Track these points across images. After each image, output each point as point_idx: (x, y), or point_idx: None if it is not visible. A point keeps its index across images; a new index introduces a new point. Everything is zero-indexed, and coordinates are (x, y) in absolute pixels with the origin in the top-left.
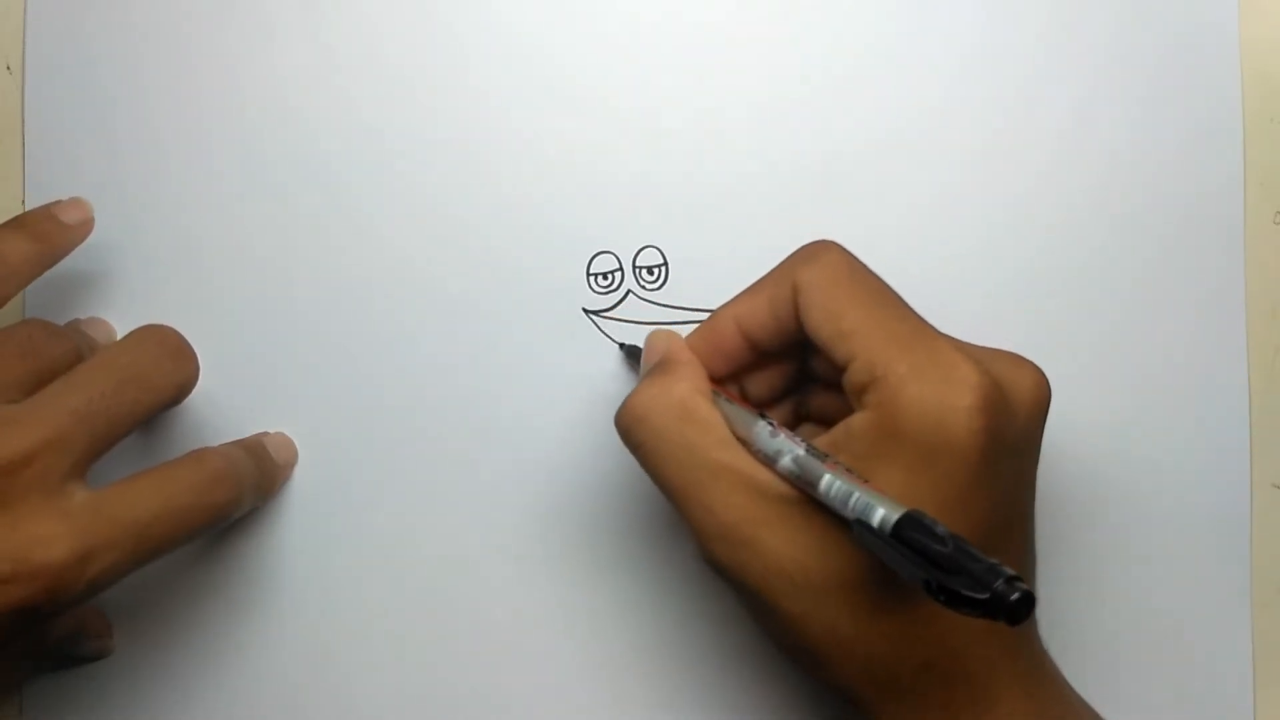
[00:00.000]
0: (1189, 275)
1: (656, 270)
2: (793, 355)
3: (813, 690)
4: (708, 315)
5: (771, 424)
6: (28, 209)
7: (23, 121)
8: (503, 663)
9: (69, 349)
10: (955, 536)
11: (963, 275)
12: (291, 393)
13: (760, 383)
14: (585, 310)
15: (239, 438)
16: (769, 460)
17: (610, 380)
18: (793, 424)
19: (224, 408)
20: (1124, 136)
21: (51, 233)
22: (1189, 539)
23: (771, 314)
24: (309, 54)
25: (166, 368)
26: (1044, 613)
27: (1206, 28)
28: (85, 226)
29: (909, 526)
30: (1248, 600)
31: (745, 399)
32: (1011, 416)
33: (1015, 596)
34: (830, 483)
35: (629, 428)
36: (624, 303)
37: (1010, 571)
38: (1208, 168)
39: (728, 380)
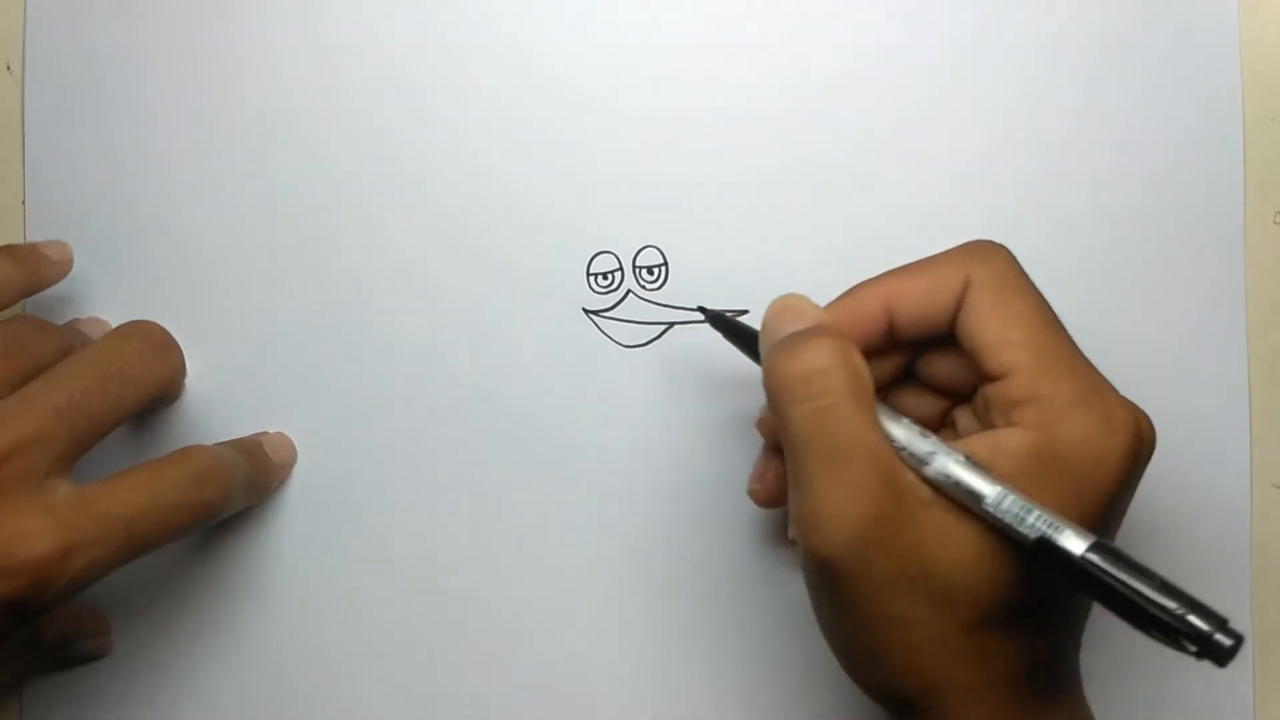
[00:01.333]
0: (1189, 275)
1: (656, 270)
2: (908, 352)
3: (816, 690)
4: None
5: (920, 425)
6: (28, 209)
7: (23, 121)
8: (503, 662)
9: (57, 346)
10: (1153, 571)
11: None
12: (291, 392)
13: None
14: (585, 310)
15: (237, 437)
16: (916, 461)
17: (610, 380)
18: None
19: (223, 407)
20: (1124, 136)
21: (37, 262)
22: (1189, 539)
23: (928, 300)
24: (309, 54)
25: (150, 363)
26: None
27: (1206, 28)
28: (65, 265)
29: (1107, 554)
30: (1248, 600)
31: None
32: (1144, 453)
33: (1230, 643)
34: (1002, 496)
35: (805, 378)
36: (624, 303)
37: (1222, 616)
38: (1208, 168)
39: None
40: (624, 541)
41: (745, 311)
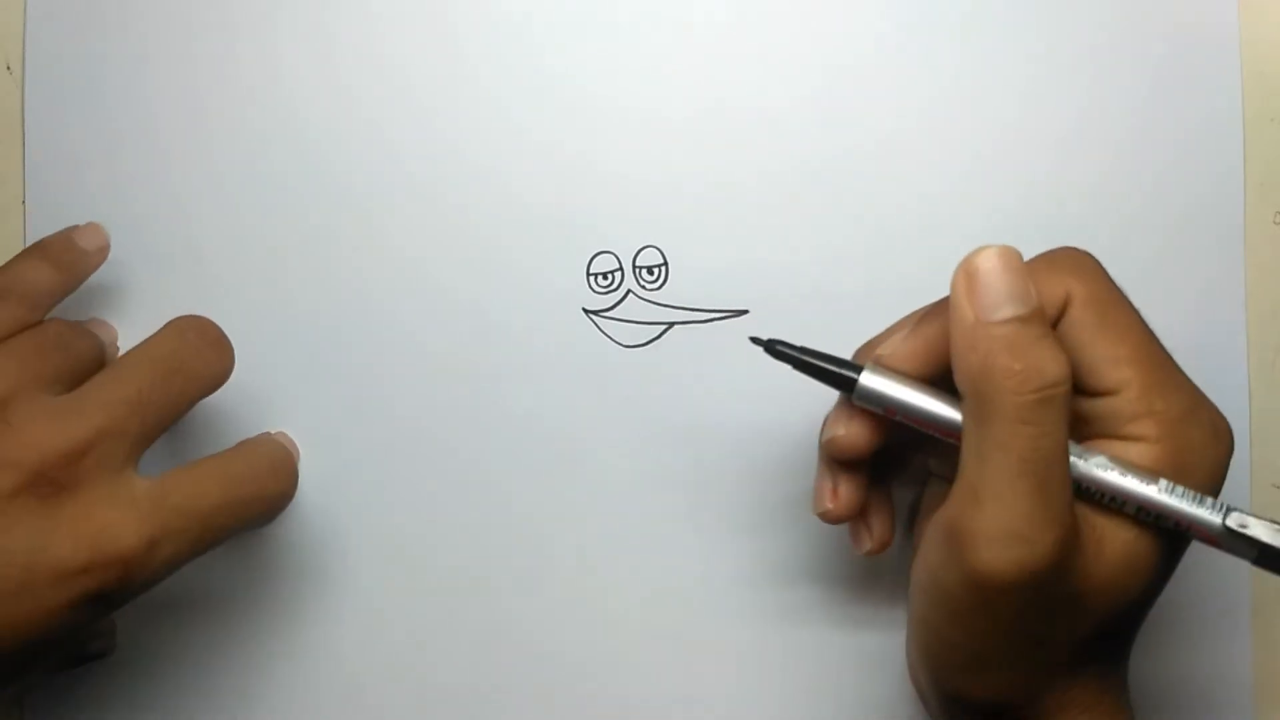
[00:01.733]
0: (1189, 275)
1: (656, 270)
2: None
3: (820, 691)
4: (707, 316)
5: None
6: (28, 209)
7: (23, 121)
8: (503, 662)
9: (93, 345)
10: None
11: None
12: (292, 393)
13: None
14: (585, 310)
15: (239, 437)
16: (1075, 469)
17: (610, 380)
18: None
19: (225, 407)
20: (1124, 136)
21: (74, 261)
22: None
23: None
24: (309, 54)
25: (209, 357)
26: None
27: (1206, 28)
28: (102, 254)
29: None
30: (1248, 600)
31: None
32: None
33: None
34: (1169, 485)
35: (1044, 380)
36: (624, 303)
37: None
38: (1208, 168)
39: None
40: (625, 541)
41: (745, 312)
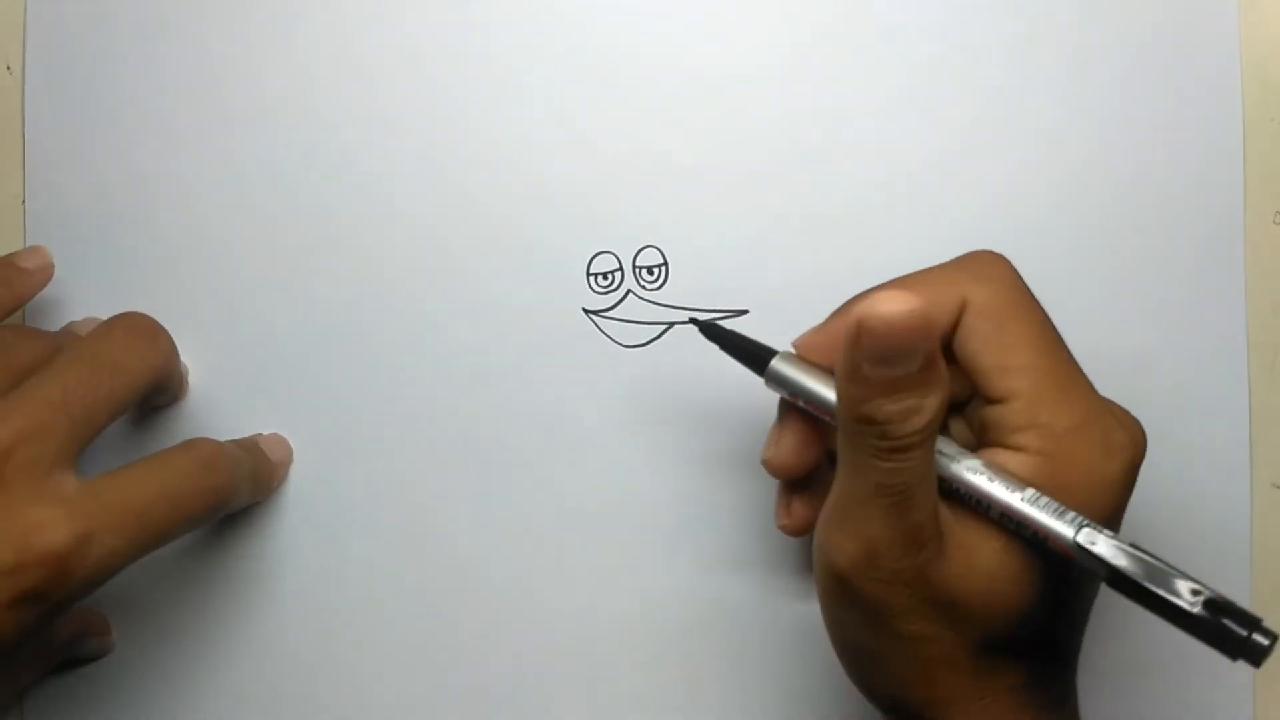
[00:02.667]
0: (1189, 275)
1: (656, 270)
2: None
3: (822, 689)
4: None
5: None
6: (28, 209)
7: (23, 121)
8: (503, 662)
9: (43, 347)
10: (1190, 576)
11: None
12: (292, 393)
13: None
14: (585, 310)
15: (236, 436)
16: (944, 461)
17: (610, 380)
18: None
19: (223, 408)
20: (1123, 136)
21: (12, 278)
22: (1189, 539)
23: None
24: (310, 54)
25: (139, 350)
26: None
27: (1206, 28)
28: (44, 272)
29: (1136, 553)
30: (1248, 600)
31: None
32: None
33: (1267, 643)
34: (1035, 496)
35: (907, 448)
36: (624, 303)
37: (1262, 621)
38: (1208, 168)
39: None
40: (624, 541)
41: (745, 312)
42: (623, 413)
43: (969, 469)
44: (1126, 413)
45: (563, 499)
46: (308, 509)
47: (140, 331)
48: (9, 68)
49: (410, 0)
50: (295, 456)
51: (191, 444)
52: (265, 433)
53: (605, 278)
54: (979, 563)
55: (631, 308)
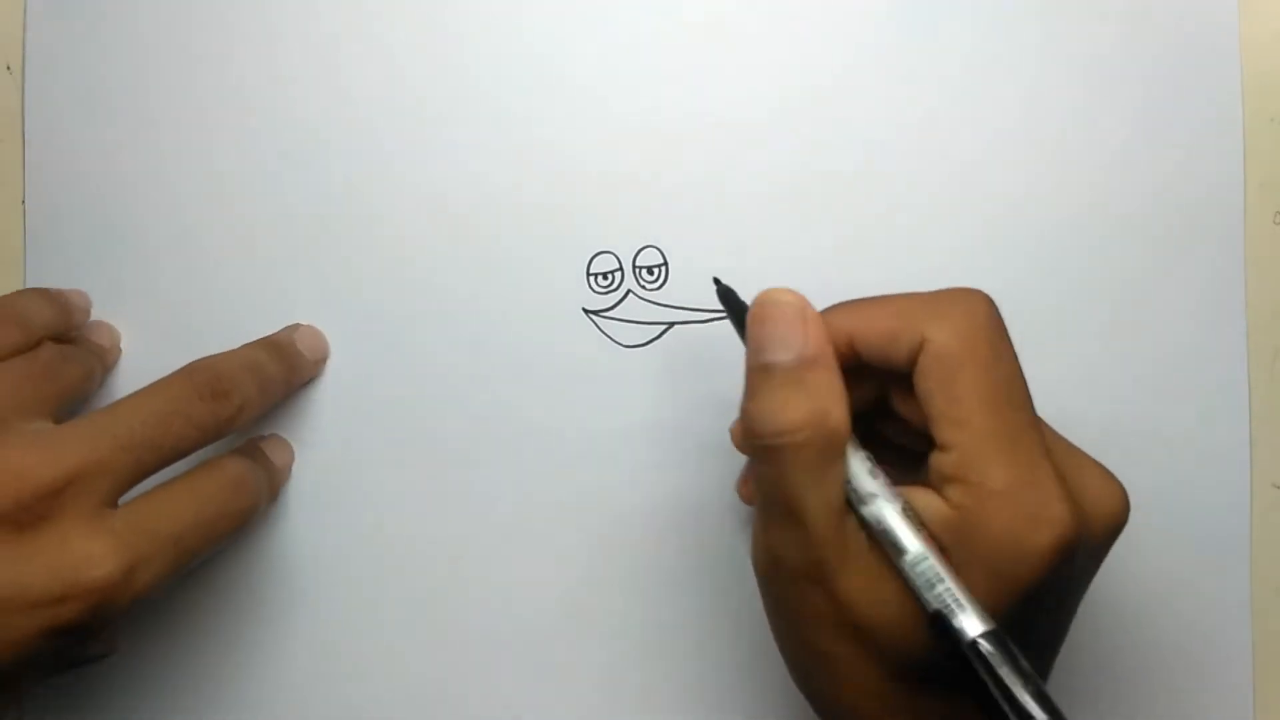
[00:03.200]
0: (1189, 275)
1: (656, 270)
2: (878, 379)
3: None
4: (694, 318)
5: (872, 462)
6: (28, 209)
7: (23, 121)
8: (503, 662)
9: (83, 371)
10: (1037, 677)
11: (963, 275)
12: (291, 393)
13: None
14: (585, 310)
15: (237, 438)
16: (857, 499)
17: (611, 380)
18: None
19: None
20: (1124, 136)
21: (73, 309)
22: (1189, 539)
23: (886, 346)
24: (309, 53)
25: (214, 407)
26: None
27: (1206, 28)
28: (85, 314)
29: (997, 645)
30: (1248, 600)
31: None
32: (1085, 545)
33: None
34: (921, 558)
35: (775, 451)
36: (624, 303)
37: None
38: (1208, 168)
39: None
40: (624, 541)
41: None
42: (623, 413)
43: (875, 507)
44: (1103, 475)
45: (563, 499)
46: (307, 510)
47: (217, 388)
48: (9, 68)
49: (415, 2)
50: (295, 457)
51: (221, 465)
52: (265, 435)
53: (605, 278)
54: (884, 591)
55: (631, 308)
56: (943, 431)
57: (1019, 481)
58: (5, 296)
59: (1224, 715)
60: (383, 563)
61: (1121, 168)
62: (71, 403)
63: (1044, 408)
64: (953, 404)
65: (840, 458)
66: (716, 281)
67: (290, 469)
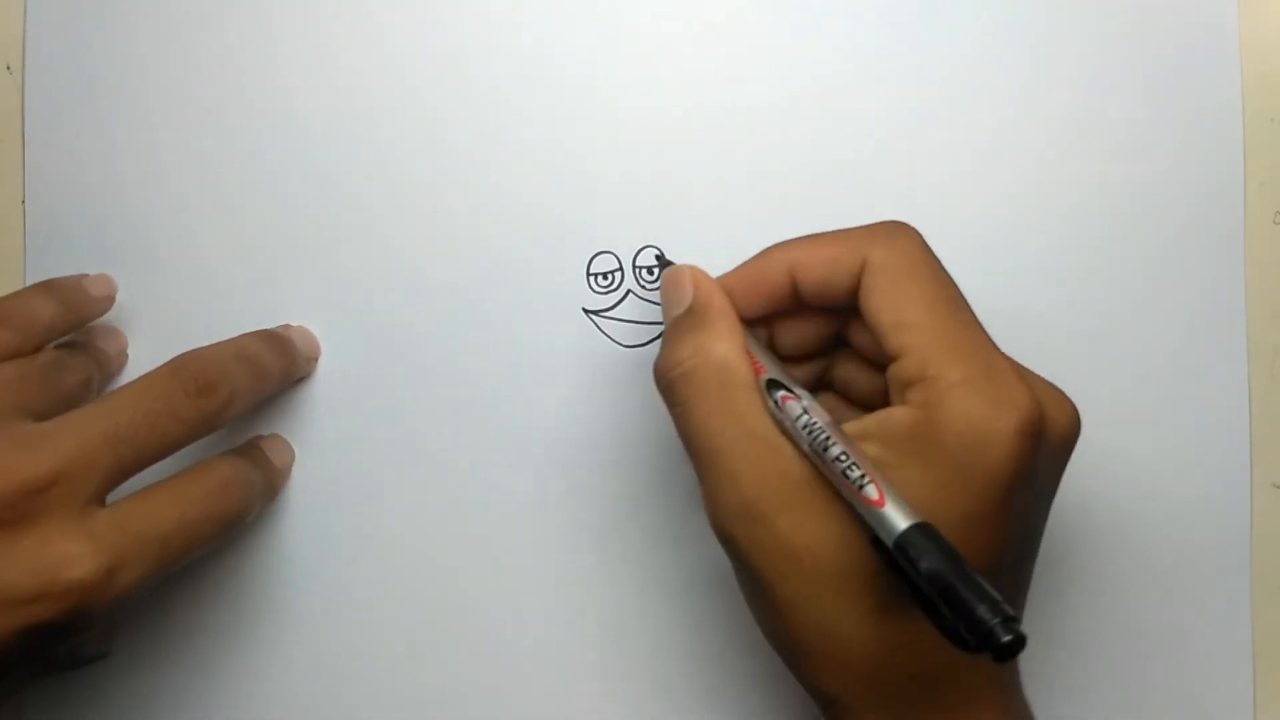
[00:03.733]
0: (1189, 275)
1: (656, 270)
2: (832, 316)
3: None
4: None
5: (795, 387)
6: (28, 209)
7: (23, 121)
8: (503, 662)
9: (80, 379)
10: (962, 561)
11: (962, 275)
12: (290, 393)
13: (791, 333)
14: (585, 310)
15: (236, 439)
16: (791, 428)
17: (611, 380)
18: (815, 388)
19: None
20: (1124, 136)
21: (80, 303)
22: (1189, 539)
23: (830, 274)
24: (308, 53)
25: (200, 404)
26: (1043, 612)
27: (1206, 28)
28: (107, 302)
29: (920, 536)
30: (1248, 600)
31: (774, 349)
32: (1046, 448)
33: (1008, 639)
34: (847, 467)
35: (668, 385)
36: (624, 303)
37: (1009, 611)
38: (1208, 168)
39: (758, 323)
40: (625, 541)
41: None
42: (623, 413)
43: (806, 431)
44: (1053, 387)
45: (563, 499)
46: (307, 511)
47: (202, 383)
48: (9, 68)
49: (414, 1)
50: (296, 457)
51: (210, 468)
52: (266, 435)
53: (605, 278)
54: (830, 517)
55: (631, 308)
56: (895, 340)
57: (976, 371)
58: (9, 296)
59: (1224, 715)
60: (381, 563)
61: (1121, 167)
62: (65, 409)
63: None
64: (902, 311)
65: (743, 390)
66: (659, 258)
67: (290, 470)
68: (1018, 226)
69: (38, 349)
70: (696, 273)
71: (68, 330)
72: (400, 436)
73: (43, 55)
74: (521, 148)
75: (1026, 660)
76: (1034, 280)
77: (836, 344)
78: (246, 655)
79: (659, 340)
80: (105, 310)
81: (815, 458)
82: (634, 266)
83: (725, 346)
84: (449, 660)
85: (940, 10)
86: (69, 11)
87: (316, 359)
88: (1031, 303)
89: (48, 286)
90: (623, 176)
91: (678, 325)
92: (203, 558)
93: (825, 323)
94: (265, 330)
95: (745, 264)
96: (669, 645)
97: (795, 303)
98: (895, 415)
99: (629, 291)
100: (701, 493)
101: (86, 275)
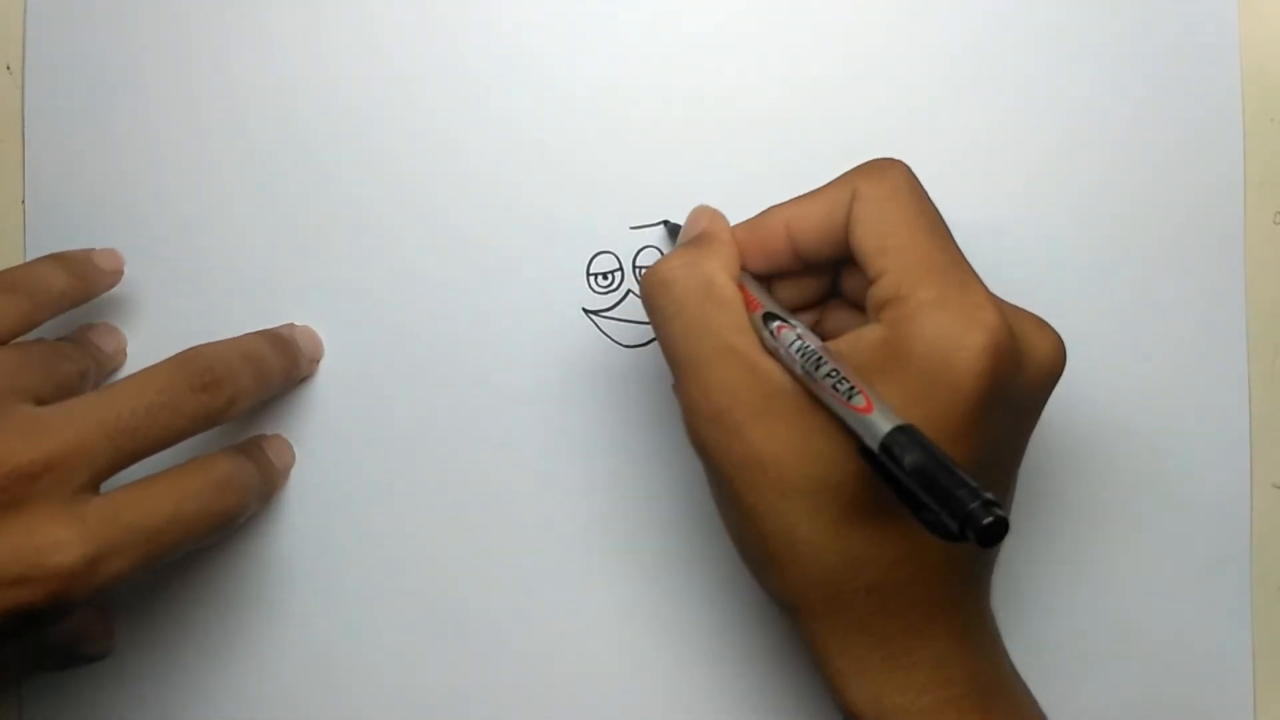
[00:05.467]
0: (1189, 275)
1: None
2: (828, 270)
3: (816, 686)
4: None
5: (788, 317)
6: (28, 209)
7: (23, 121)
8: (503, 661)
9: (79, 368)
10: (944, 455)
11: None
12: (290, 393)
13: (790, 290)
14: (585, 310)
15: (238, 438)
16: (776, 350)
17: (611, 380)
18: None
19: None
20: (1124, 136)
21: (88, 274)
22: (1189, 539)
23: (824, 221)
24: (308, 53)
25: (203, 398)
26: (1044, 612)
27: (1206, 28)
28: (115, 276)
29: (904, 436)
30: (1248, 600)
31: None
32: (1019, 370)
33: (988, 520)
34: (837, 381)
35: (652, 291)
36: (624, 303)
37: (989, 496)
38: (1208, 168)
39: (760, 279)
40: (625, 540)
41: None
42: (623, 413)
43: (786, 344)
44: (1036, 317)
45: (563, 498)
46: (307, 511)
47: (207, 379)
48: (9, 68)
49: (413, 2)
50: (295, 457)
51: (210, 463)
52: (268, 434)
53: (605, 278)
54: (807, 425)
55: (631, 308)
56: (876, 263)
57: (950, 291)
58: (19, 266)
59: (1224, 715)
60: (381, 563)
61: (1121, 168)
62: (63, 396)
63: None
64: (885, 234)
65: (724, 308)
66: (665, 223)
67: (289, 471)
68: (1017, 226)
69: (51, 317)
70: (715, 212)
71: (78, 302)
72: (400, 436)
73: (43, 55)
74: (522, 148)
75: (1027, 660)
76: (1034, 280)
77: (829, 295)
78: (247, 655)
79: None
80: (113, 284)
81: (807, 379)
82: (634, 266)
83: (715, 266)
84: (449, 660)
85: (940, 11)
86: (69, 11)
87: (319, 360)
88: (1031, 302)
89: (57, 258)
90: (623, 176)
91: (681, 247)
92: (196, 551)
93: (822, 278)
94: (270, 330)
95: (746, 221)
96: (671, 643)
97: (795, 262)
98: (866, 334)
99: (629, 291)
100: (678, 401)
101: (94, 249)
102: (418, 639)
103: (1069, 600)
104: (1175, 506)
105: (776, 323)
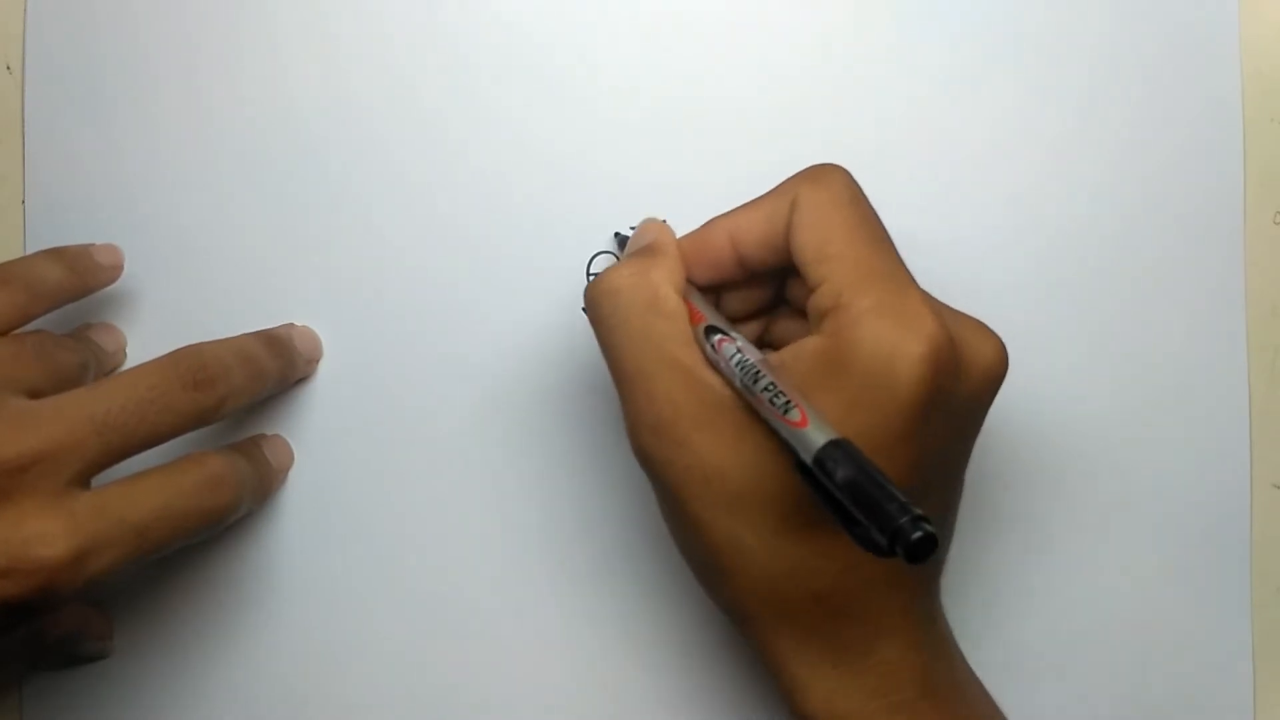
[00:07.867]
0: (1189, 275)
1: None
2: (775, 279)
3: None
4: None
5: (731, 331)
6: (28, 209)
7: (23, 121)
8: (501, 663)
9: (75, 361)
10: (876, 469)
11: (962, 275)
12: (290, 393)
13: (738, 300)
14: (585, 310)
15: (237, 437)
16: (726, 368)
17: (611, 380)
18: (756, 345)
19: None
20: (1124, 136)
21: (86, 269)
22: (1189, 539)
23: (766, 230)
24: (309, 53)
25: (195, 396)
26: (1044, 612)
27: (1206, 28)
28: (114, 271)
29: (837, 450)
30: (1248, 600)
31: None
32: (961, 379)
33: (917, 535)
34: (774, 395)
35: (596, 300)
36: None
37: (918, 511)
38: (1208, 168)
39: (706, 291)
40: (625, 540)
41: None
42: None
43: (726, 356)
44: (977, 322)
45: (563, 498)
46: (306, 511)
47: (200, 376)
48: (9, 68)
49: (414, 2)
50: (295, 457)
51: (202, 460)
52: (268, 434)
53: None
54: (748, 439)
55: None
56: (816, 271)
57: (889, 299)
58: (16, 259)
59: (1224, 715)
60: (381, 564)
61: (1121, 167)
62: (59, 389)
63: (1042, 407)
64: (825, 242)
65: (668, 320)
66: (616, 234)
67: (287, 472)
68: (1017, 226)
69: (47, 310)
70: (662, 225)
71: (75, 296)
72: (400, 436)
73: (43, 55)
74: (522, 147)
75: (1026, 658)
76: (1034, 280)
77: (777, 303)
78: (246, 655)
79: None
80: (112, 280)
81: (746, 392)
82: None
83: (661, 277)
84: (449, 659)
85: (939, 11)
86: (69, 11)
87: (318, 360)
88: (1031, 302)
89: (55, 252)
90: (623, 176)
91: (629, 257)
92: (195, 551)
93: (768, 287)
94: (266, 331)
95: (690, 233)
96: (671, 642)
97: (741, 272)
98: (807, 345)
99: None
100: (622, 413)
101: (93, 244)
102: (417, 639)
103: (1069, 600)
104: (1175, 506)
105: (718, 336)
